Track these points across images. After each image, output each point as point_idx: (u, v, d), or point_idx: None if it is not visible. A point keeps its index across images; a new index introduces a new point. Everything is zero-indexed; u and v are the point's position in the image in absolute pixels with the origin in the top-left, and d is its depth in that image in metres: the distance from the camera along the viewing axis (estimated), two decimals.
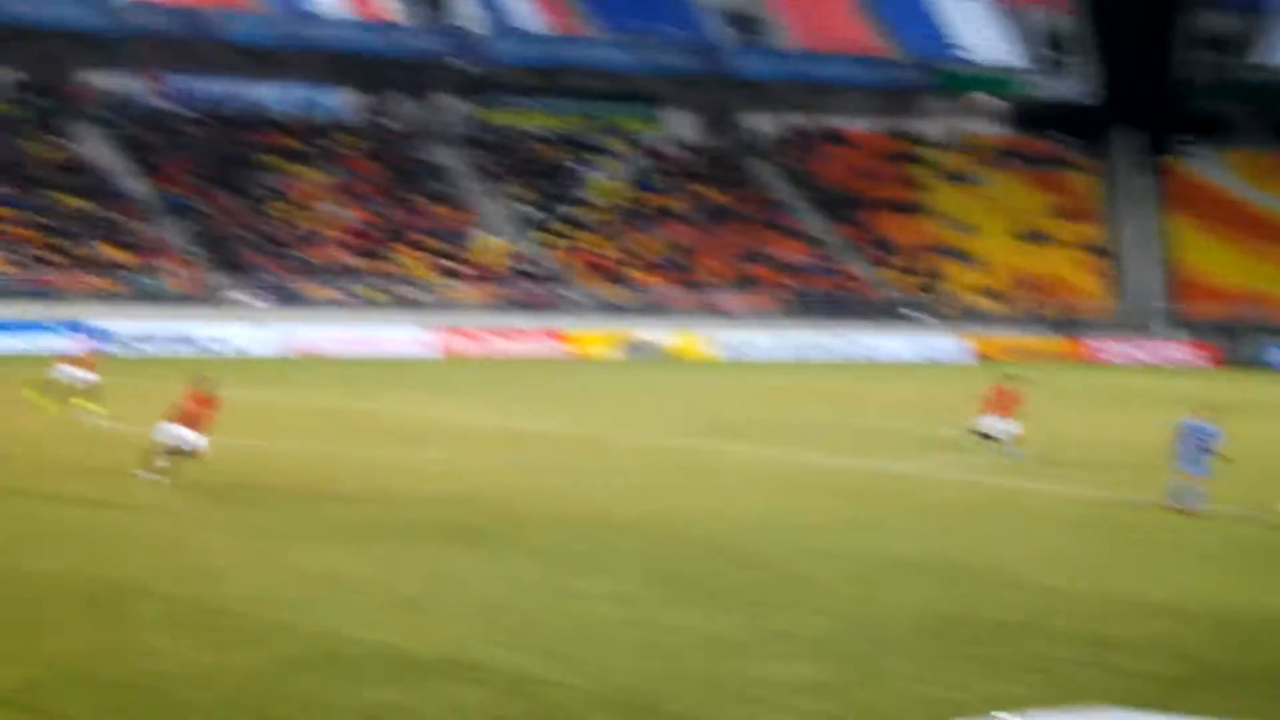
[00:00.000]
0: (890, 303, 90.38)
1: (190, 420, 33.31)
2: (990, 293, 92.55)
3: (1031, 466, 42.58)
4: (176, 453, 33.30)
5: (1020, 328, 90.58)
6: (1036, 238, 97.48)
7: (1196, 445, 34.84)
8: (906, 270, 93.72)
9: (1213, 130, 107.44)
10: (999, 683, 20.68)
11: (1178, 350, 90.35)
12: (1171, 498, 35.02)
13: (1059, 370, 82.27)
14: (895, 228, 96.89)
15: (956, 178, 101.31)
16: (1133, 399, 64.36)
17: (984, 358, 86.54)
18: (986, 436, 43.92)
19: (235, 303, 78.60)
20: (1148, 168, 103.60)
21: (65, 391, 46.95)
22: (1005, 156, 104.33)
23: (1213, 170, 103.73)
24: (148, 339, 73.15)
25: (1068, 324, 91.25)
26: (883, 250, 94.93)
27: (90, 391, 46.75)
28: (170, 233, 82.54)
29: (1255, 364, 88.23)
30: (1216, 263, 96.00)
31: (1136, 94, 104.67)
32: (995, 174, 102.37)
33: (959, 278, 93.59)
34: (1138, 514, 35.34)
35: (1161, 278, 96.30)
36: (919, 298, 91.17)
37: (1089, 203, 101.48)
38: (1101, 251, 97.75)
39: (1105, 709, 14.91)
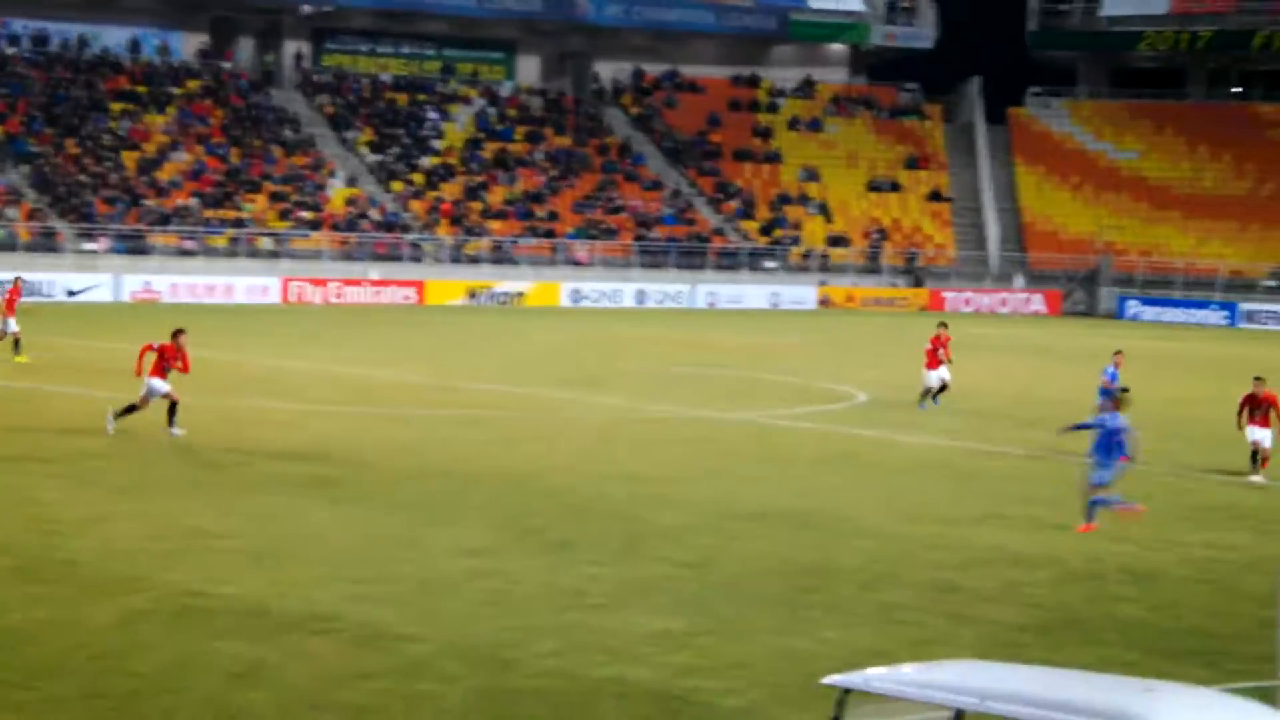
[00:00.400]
0: (740, 251, 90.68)
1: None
2: (840, 240, 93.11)
3: (882, 415, 42.91)
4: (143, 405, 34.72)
5: (870, 276, 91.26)
6: (885, 186, 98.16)
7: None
8: (757, 218, 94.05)
9: (1056, 80, 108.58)
10: (854, 632, 20.86)
11: (1023, 298, 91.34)
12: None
13: (908, 318, 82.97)
14: (745, 176, 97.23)
15: (806, 126, 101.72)
16: (980, 347, 64.99)
17: (833, 305, 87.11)
18: (940, 390, 44.62)
19: (78, 250, 77.73)
20: (994, 118, 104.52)
21: None
22: (855, 105, 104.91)
23: (1057, 120, 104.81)
24: None
25: (916, 272, 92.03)
26: (733, 198, 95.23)
27: None
28: (11, 177, 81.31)
29: (1100, 312, 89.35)
30: (1061, 212, 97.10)
31: (983, 44, 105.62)
32: (845, 123, 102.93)
33: (809, 226, 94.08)
34: (986, 462, 35.71)
35: (1008, 227, 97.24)
36: (769, 246, 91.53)
37: (937, 151, 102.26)
38: (949, 200, 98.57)
39: (971, 662, 15.05)
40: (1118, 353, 42.73)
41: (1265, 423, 36.93)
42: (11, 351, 47.10)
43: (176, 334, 34.54)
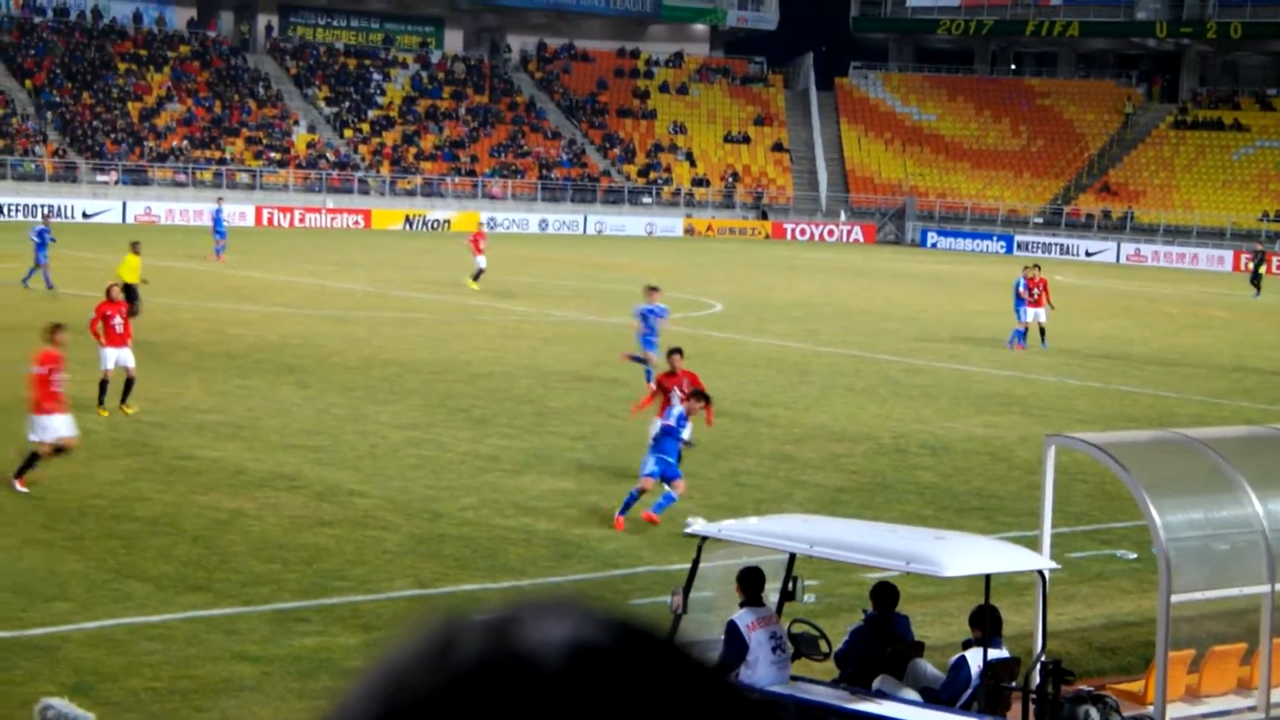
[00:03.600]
0: (623, 189, 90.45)
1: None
2: (702, 182, 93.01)
3: (734, 321, 42.98)
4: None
5: (726, 211, 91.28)
6: (738, 139, 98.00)
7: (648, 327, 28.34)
8: (635, 163, 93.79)
9: (873, 56, 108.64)
10: (709, 493, 21.03)
11: (848, 229, 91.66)
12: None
13: (756, 244, 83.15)
14: (627, 129, 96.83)
15: (675, 90, 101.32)
16: (813, 268, 65.29)
17: (697, 234, 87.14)
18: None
19: (92, 181, 76.61)
20: (824, 85, 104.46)
21: None
22: (714, 74, 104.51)
23: (873, 88, 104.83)
24: (20, 209, 71.06)
25: (762, 208, 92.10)
26: (617, 147, 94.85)
27: None
28: (38, 123, 79.91)
29: (906, 242, 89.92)
30: (876, 161, 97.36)
31: (815, 26, 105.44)
32: (706, 87, 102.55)
33: (677, 170, 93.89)
34: (815, 359, 35.90)
35: (835, 173, 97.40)
36: (645, 185, 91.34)
37: (779, 112, 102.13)
38: (788, 151, 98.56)
39: (802, 515, 15.24)
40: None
41: (1039, 304, 38.69)
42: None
43: (110, 289, 26.61)
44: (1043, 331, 39.02)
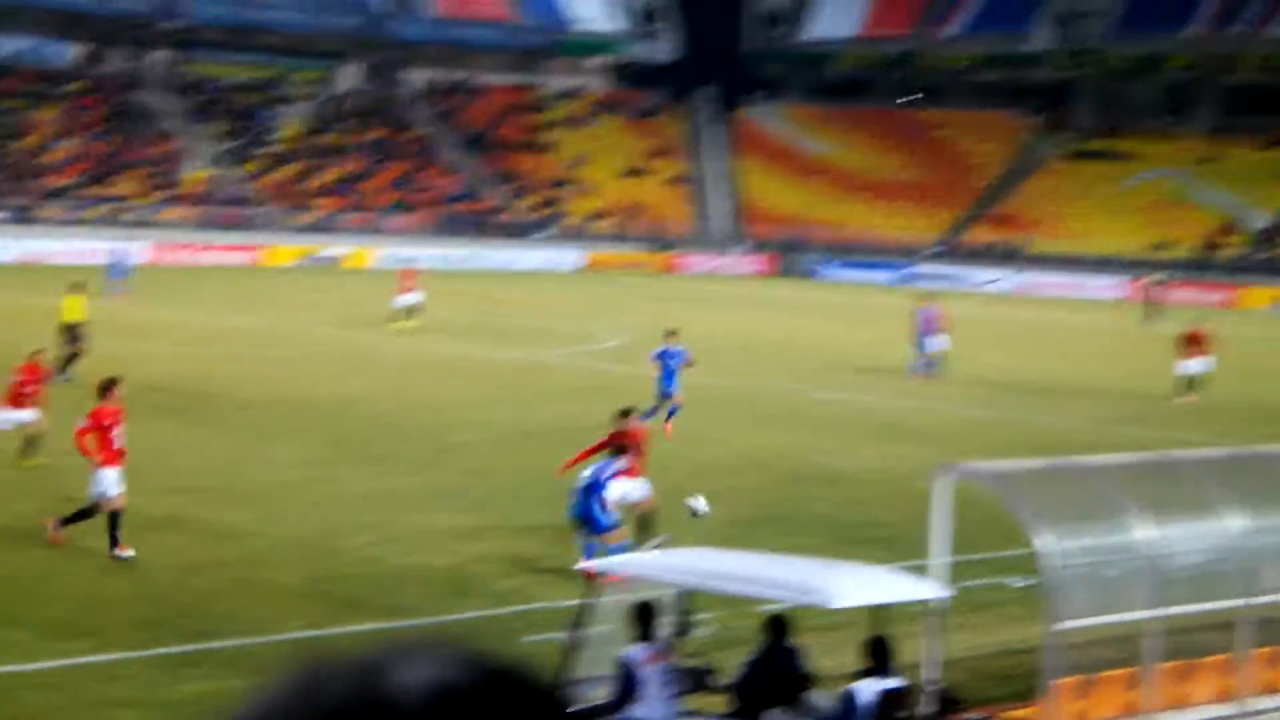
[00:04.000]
0: (520, 224, 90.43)
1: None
2: (600, 215, 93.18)
3: (630, 354, 43.03)
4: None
5: (624, 244, 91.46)
6: (636, 172, 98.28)
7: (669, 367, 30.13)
8: (533, 197, 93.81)
9: (771, 89, 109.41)
10: None
11: (745, 262, 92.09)
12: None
13: (654, 278, 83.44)
14: (524, 163, 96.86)
15: (573, 123, 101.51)
16: (712, 300, 65.56)
17: (594, 267, 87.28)
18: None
19: None
20: (721, 118, 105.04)
21: None
22: (611, 107, 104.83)
23: (771, 121, 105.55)
24: None
25: (660, 241, 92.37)
26: (514, 181, 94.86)
27: None
28: None
29: (803, 274, 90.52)
30: (774, 194, 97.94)
31: (713, 58, 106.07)
32: (604, 121, 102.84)
33: (575, 204, 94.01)
34: (718, 391, 36.01)
35: (733, 205, 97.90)
36: (542, 219, 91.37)
37: (676, 145, 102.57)
38: (686, 183, 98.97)
39: (696, 549, 15.29)
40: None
41: (937, 333, 39.86)
42: None
43: (34, 354, 25.65)
44: (940, 362, 39.46)
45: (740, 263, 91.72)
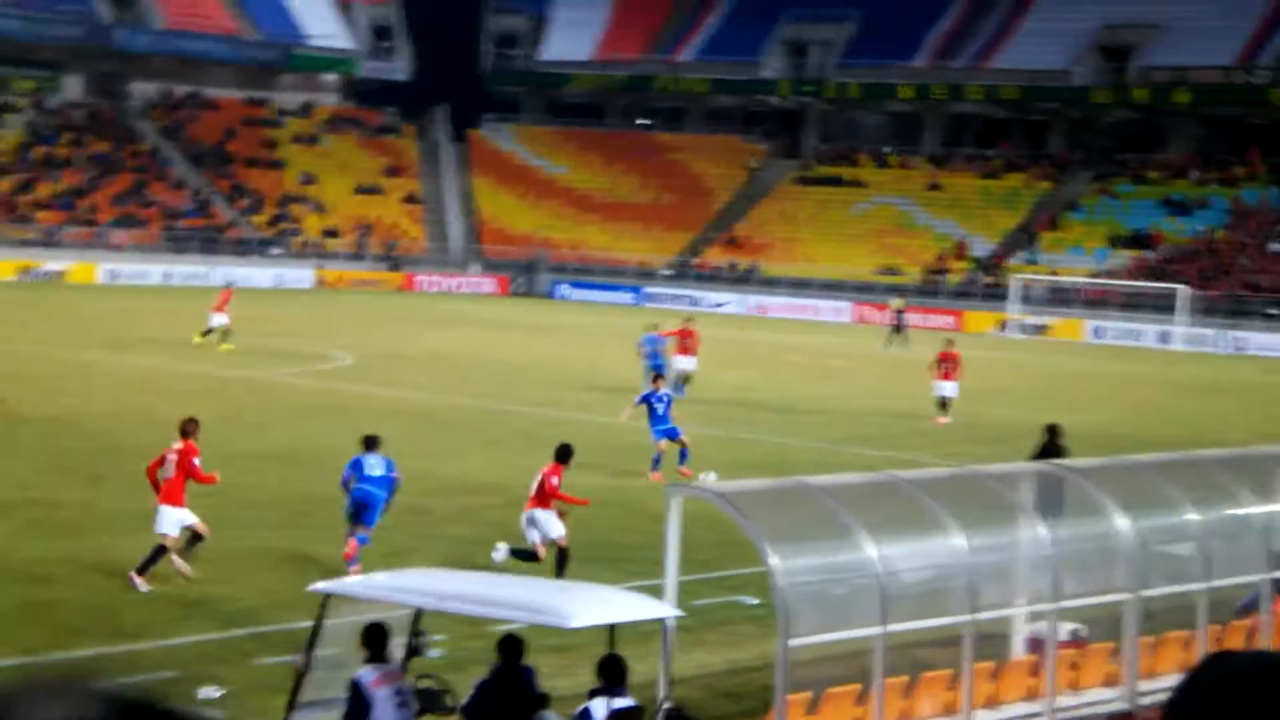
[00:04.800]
0: (251, 240, 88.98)
1: None
2: (333, 233, 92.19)
3: (364, 374, 42.67)
4: None
5: (357, 262, 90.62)
6: (370, 190, 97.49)
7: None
8: (264, 213, 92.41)
9: (507, 109, 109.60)
10: (338, 548, 20.79)
11: (480, 282, 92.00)
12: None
13: (388, 296, 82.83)
14: (255, 179, 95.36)
15: (305, 140, 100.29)
16: (446, 320, 65.32)
17: (327, 285, 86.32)
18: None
19: None
20: (457, 137, 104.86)
21: None
22: (345, 124, 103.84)
23: (505, 141, 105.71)
24: None
25: (394, 259, 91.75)
26: (245, 197, 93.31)
27: None
28: None
29: (539, 294, 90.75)
30: (511, 214, 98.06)
31: (449, 77, 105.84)
32: (337, 138, 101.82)
33: (307, 221, 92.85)
34: (453, 411, 35.93)
35: (469, 225, 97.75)
36: (274, 236, 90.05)
37: (411, 163, 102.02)
38: (421, 202, 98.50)
39: (430, 569, 15.19)
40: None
41: (689, 352, 40.28)
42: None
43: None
44: (686, 381, 39.89)
45: (474, 282, 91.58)
